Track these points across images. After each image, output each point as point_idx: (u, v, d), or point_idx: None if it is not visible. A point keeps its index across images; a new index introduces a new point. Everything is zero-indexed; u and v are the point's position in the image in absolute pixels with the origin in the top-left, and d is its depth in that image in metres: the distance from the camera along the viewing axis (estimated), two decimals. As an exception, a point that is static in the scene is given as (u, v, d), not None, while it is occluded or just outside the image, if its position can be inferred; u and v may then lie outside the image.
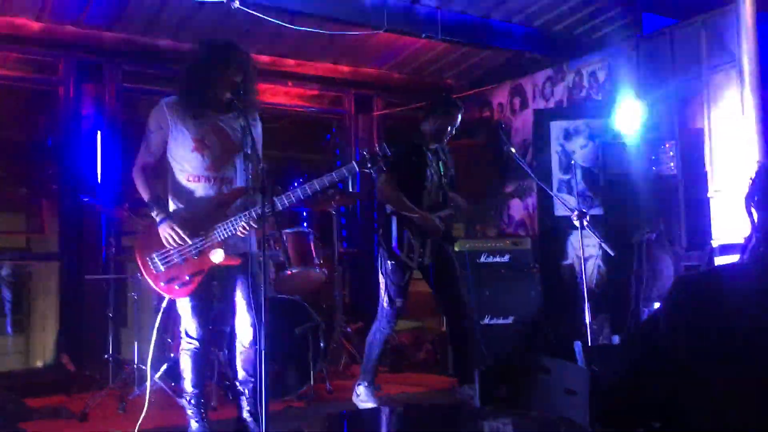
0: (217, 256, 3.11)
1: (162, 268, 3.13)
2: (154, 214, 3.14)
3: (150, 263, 3.15)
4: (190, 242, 3.11)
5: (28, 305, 6.19)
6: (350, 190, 6.97)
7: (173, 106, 3.16)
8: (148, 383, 3.45)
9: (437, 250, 4.17)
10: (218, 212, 3.14)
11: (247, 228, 3.09)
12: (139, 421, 3.29)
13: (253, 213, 3.01)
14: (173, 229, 3.10)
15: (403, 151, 4.15)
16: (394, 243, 4.05)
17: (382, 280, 4.13)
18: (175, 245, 3.12)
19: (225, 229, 3.10)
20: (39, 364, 6.05)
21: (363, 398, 4.16)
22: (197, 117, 3.15)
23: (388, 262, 4.08)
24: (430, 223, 4.07)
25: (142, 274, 3.21)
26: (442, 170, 4.28)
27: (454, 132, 4.27)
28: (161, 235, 3.12)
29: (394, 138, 4.42)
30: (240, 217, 3.09)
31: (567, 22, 6.03)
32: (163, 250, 3.14)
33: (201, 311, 3.22)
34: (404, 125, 7.25)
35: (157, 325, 3.44)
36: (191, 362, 3.23)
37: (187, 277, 3.13)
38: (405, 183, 4.11)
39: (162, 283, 3.15)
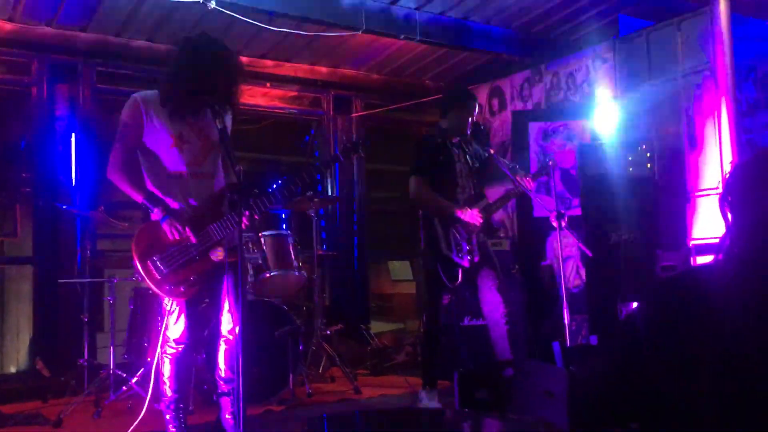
0: (219, 254, 3.07)
1: (165, 270, 3.04)
2: (154, 212, 3.04)
3: (153, 267, 3.04)
4: (194, 240, 3.04)
5: (1, 310, 6.08)
6: (330, 193, 6.96)
7: (148, 102, 3.08)
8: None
9: (481, 245, 4.11)
10: (215, 210, 3.10)
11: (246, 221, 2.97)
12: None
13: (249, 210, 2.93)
14: (179, 224, 3.02)
15: (430, 152, 4.13)
16: (442, 245, 4.00)
17: (425, 282, 4.11)
18: (180, 236, 3.03)
19: (223, 227, 3.05)
20: (13, 369, 5.96)
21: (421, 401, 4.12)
22: (176, 114, 3.08)
23: (437, 264, 4.00)
24: (470, 216, 3.99)
25: (143, 279, 3.09)
26: (470, 161, 4.21)
27: (474, 121, 4.21)
28: (166, 230, 3.02)
29: (419, 140, 4.44)
30: (233, 215, 3.02)
31: (545, 24, 6.06)
32: (165, 253, 3.04)
33: (193, 315, 3.16)
34: (383, 126, 7.26)
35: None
36: (173, 367, 3.14)
37: (192, 278, 3.06)
38: (437, 182, 4.07)
39: (167, 287, 3.05)
